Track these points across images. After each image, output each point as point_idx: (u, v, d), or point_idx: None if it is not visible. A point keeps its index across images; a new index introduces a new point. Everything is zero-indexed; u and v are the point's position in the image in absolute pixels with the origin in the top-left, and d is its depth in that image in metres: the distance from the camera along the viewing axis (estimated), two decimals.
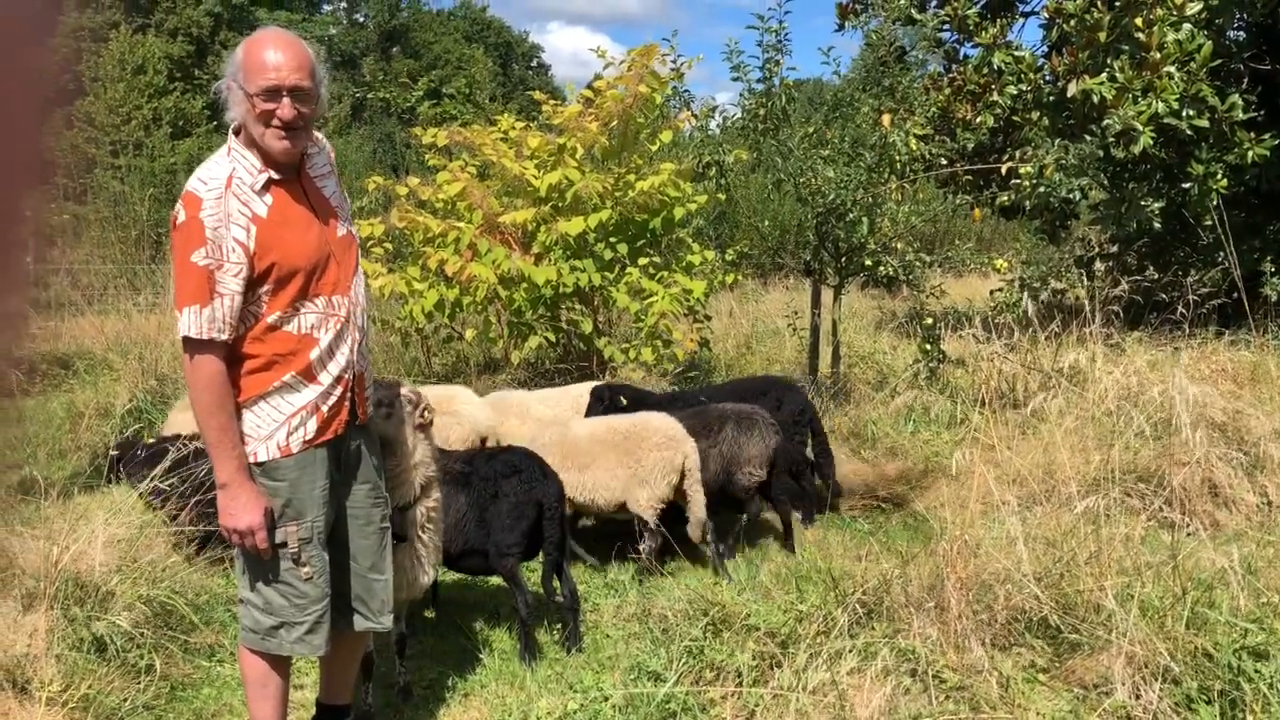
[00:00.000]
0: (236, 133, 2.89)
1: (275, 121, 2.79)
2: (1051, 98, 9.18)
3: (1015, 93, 9.25)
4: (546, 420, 5.79)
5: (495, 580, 5.22)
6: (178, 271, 2.78)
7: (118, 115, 37.35)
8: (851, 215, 7.36)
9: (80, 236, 16.72)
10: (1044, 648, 3.50)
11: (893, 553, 4.71)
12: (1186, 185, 9.08)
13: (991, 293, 8.54)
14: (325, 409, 2.95)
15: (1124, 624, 3.30)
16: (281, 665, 3.08)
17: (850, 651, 3.56)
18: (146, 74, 38.66)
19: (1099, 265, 11.08)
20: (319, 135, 3.09)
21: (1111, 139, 8.08)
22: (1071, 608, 3.58)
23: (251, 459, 2.90)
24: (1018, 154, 8.01)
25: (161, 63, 39.50)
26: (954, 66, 10.52)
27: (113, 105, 37.59)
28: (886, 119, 7.60)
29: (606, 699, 3.79)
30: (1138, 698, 3.15)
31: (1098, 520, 3.94)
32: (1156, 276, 9.65)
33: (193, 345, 2.78)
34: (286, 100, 2.78)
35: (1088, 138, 7.61)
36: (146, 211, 15.67)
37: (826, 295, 8.38)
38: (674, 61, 8.01)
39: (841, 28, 11.28)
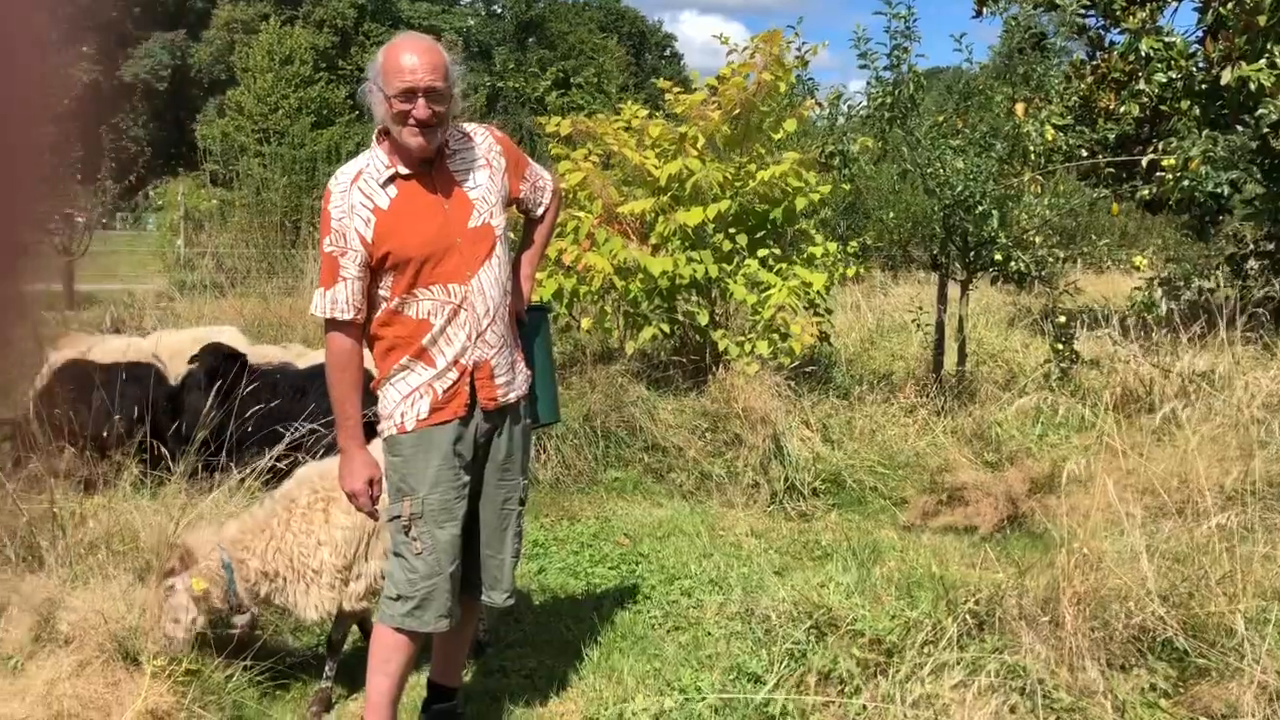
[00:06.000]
0: (381, 135, 3.10)
1: (411, 120, 2.95)
2: (1204, 85, 8.70)
3: (1164, 80, 8.79)
4: None
5: (601, 570, 5.23)
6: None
7: (265, 104, 38.89)
8: (981, 208, 7.10)
9: (227, 221, 17.45)
10: (1167, 671, 3.29)
11: (1010, 562, 4.53)
12: None
13: (1131, 291, 8.15)
14: (440, 391, 3.09)
15: (1257, 650, 3.07)
16: (407, 645, 3.19)
17: (957, 664, 3.42)
18: (293, 64, 40.12)
19: (1252, 263, 10.45)
20: (474, 129, 3.25)
21: (1267, 129, 7.60)
22: (1200, 630, 3.36)
23: (382, 435, 3.17)
24: (1160, 146, 7.59)
25: (308, 53, 40.91)
26: (1098, 54, 10.07)
27: (261, 95, 39.14)
28: (1019, 108, 7.31)
29: (703, 699, 3.74)
30: None
31: (1234, 536, 3.69)
32: None
33: (324, 323, 3.09)
34: (421, 101, 2.93)
35: (1239, 128, 7.16)
36: (284, 198, 16.21)
37: (954, 290, 8.12)
38: (799, 48, 7.85)
39: (979, 14, 10.92)
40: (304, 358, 6.38)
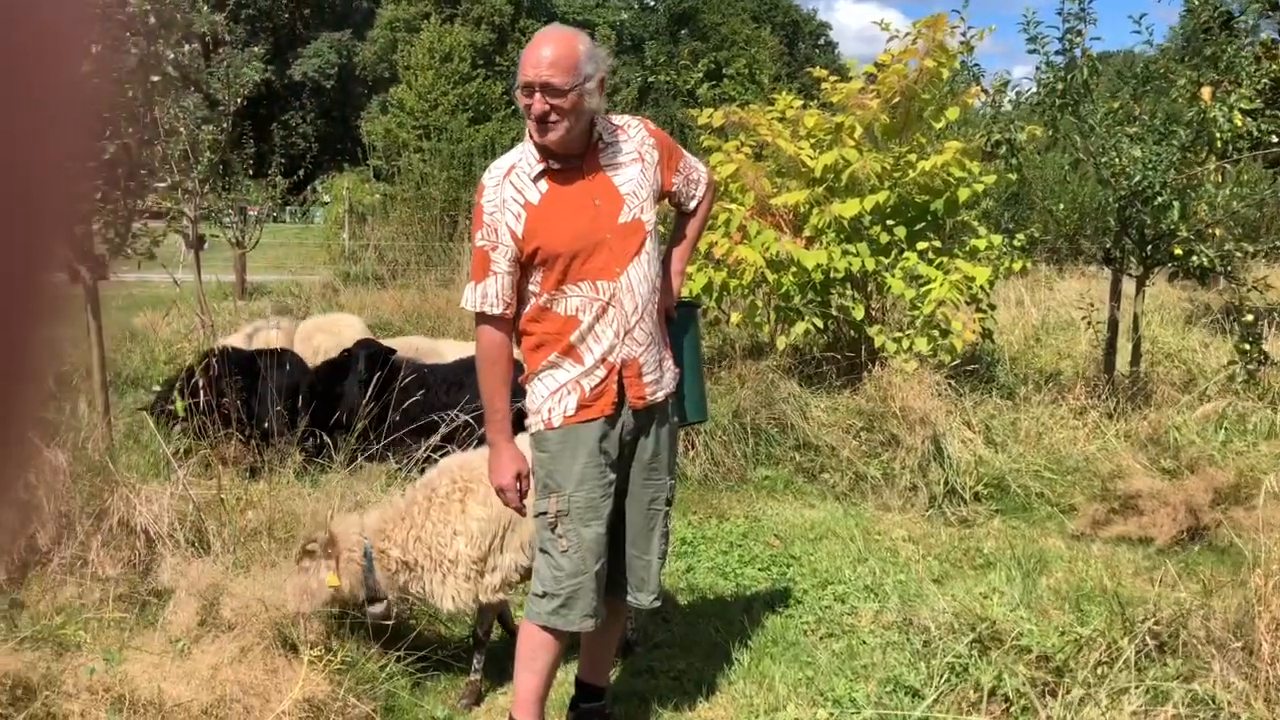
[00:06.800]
0: None
1: (531, 115, 2.94)
2: None
3: None
4: None
5: (750, 572, 5.12)
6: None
7: (426, 101, 40.05)
8: (1160, 199, 6.66)
9: (388, 215, 18.00)
10: None
11: (1194, 579, 4.22)
12: None
13: None
14: (587, 388, 3.06)
15: None
16: (554, 643, 3.18)
17: (1136, 689, 3.18)
18: (453, 61, 41.17)
19: None
20: (627, 122, 3.21)
21: None
22: None
23: (529, 430, 3.15)
24: None
25: (466, 50, 41.91)
26: None
27: (422, 92, 40.32)
28: (1206, 92, 6.83)
29: (858, 712, 3.59)
30: None
31: None
32: None
33: (474, 317, 3.11)
34: (538, 95, 2.91)
35: None
36: (443, 192, 16.57)
37: (1128, 286, 7.67)
38: (963, 34, 7.53)
39: None
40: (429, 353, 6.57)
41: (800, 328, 7.34)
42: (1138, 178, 6.65)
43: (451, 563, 3.61)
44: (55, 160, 0.45)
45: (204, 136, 9.64)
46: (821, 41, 61.64)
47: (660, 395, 3.19)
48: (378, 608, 3.71)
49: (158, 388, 5.77)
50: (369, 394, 5.51)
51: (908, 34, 7.66)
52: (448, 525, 3.63)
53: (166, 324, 8.65)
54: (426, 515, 3.66)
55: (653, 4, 56.30)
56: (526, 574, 3.75)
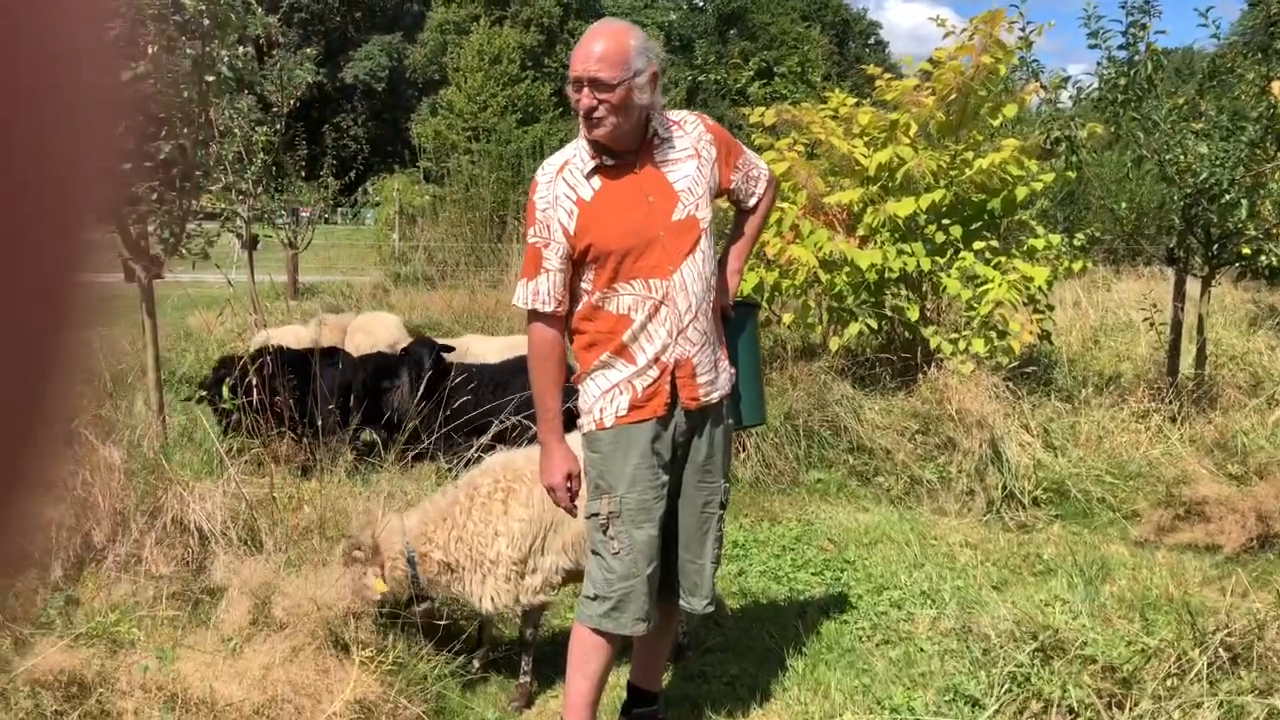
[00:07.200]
0: None
1: (579, 110, 2.91)
2: None
3: None
4: None
5: (804, 576, 5.04)
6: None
7: (475, 103, 40.30)
8: (1228, 197, 6.48)
9: (438, 216, 18.11)
10: None
11: (1266, 588, 4.08)
12: None
13: None
14: (639, 388, 3.01)
15: None
16: (606, 647, 3.13)
17: (1210, 702, 3.07)
18: (501, 63, 41.39)
19: None
20: (685, 118, 3.15)
21: None
22: None
23: (581, 430, 3.10)
24: None
25: (515, 52, 42.11)
26: None
27: (471, 94, 40.57)
28: (1276, 87, 6.63)
29: None
30: None
31: None
32: None
33: (526, 314, 3.08)
34: (586, 90, 2.87)
35: None
36: (492, 194, 16.62)
37: (1192, 286, 7.47)
38: (1022, 29, 7.38)
39: None
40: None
41: (854, 328, 7.24)
42: (1204, 175, 6.47)
43: (492, 563, 3.58)
44: (76, 161, 0.42)
45: (257, 138, 9.72)
46: (872, 41, 61.25)
47: (715, 396, 3.13)
48: (422, 606, 3.69)
49: (202, 391, 5.80)
50: (419, 393, 5.50)
51: (964, 30, 7.53)
52: (489, 525, 3.59)
53: (220, 323, 8.72)
54: (468, 515, 3.63)
55: (701, 4, 56.26)
56: (568, 576, 3.71)
